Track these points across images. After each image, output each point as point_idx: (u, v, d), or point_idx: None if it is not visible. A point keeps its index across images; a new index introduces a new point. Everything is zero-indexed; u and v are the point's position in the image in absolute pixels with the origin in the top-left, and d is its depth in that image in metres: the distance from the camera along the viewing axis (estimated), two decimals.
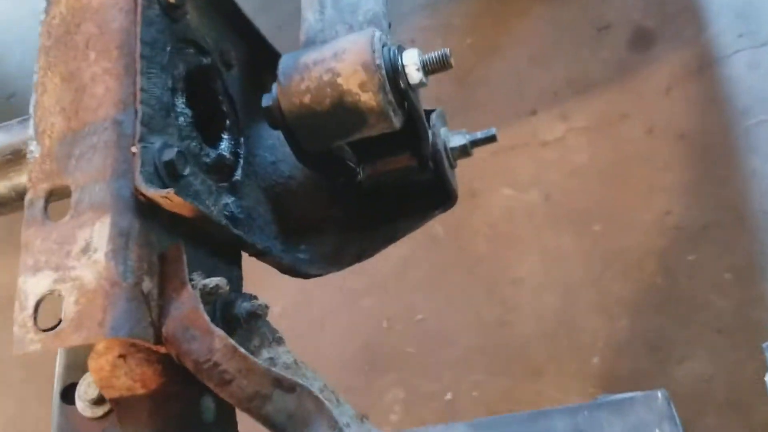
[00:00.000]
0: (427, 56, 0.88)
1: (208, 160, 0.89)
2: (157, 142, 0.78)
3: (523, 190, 2.30)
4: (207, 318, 0.71)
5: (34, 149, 0.79)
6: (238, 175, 0.96)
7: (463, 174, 2.27)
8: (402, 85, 0.87)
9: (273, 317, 0.88)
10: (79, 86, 0.80)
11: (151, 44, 0.82)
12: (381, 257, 2.14)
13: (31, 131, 0.80)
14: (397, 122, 0.89)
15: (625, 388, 1.22)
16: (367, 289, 2.29)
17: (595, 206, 2.16)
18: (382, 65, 0.85)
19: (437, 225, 2.35)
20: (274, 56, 1.05)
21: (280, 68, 0.89)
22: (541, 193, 2.26)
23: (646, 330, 2.01)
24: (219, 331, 0.71)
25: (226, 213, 0.90)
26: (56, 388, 0.85)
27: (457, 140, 1.05)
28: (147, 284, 0.73)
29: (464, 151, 1.06)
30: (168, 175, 0.77)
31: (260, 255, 0.94)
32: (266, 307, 0.85)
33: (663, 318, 2.01)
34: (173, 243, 0.78)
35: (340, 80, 0.85)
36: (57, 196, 0.77)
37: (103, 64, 0.80)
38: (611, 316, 2.06)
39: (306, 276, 1.03)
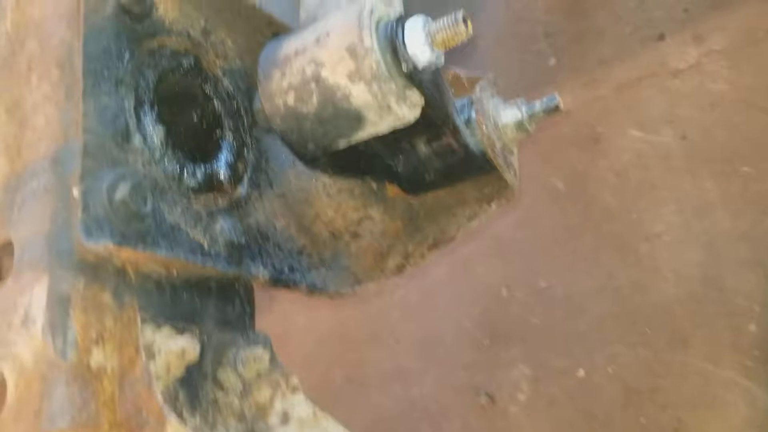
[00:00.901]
0: (435, 25, 0.68)
1: (193, 181, 0.76)
2: (108, 176, 0.65)
3: (654, 131, 1.98)
4: (160, 399, 0.58)
5: None
6: (242, 188, 0.82)
7: (582, 116, 2.01)
8: (406, 68, 0.68)
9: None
10: (22, 118, 0.69)
11: (100, 57, 0.69)
12: (498, 216, 1.95)
13: None
14: (408, 114, 0.70)
15: None
16: (482, 254, 2.10)
17: (741, 144, 1.81)
18: (374, 46, 0.66)
19: (556, 178, 2.09)
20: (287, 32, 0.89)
21: (259, 63, 0.73)
22: (676, 132, 1.94)
23: None
24: (173, 418, 0.58)
25: (222, 240, 0.76)
26: None
27: (510, 115, 0.84)
28: (98, 357, 0.61)
29: (521, 127, 0.84)
30: (123, 216, 0.65)
31: (272, 283, 0.80)
32: (267, 350, 0.72)
33: None
34: (144, 295, 0.66)
35: (324, 72, 0.68)
36: (7, 251, 0.67)
37: (43, 88, 0.68)
38: None
39: (338, 295, 0.88)
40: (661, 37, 2.02)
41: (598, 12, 2.17)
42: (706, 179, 1.85)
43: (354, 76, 0.66)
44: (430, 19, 0.68)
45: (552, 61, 2.20)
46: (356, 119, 0.69)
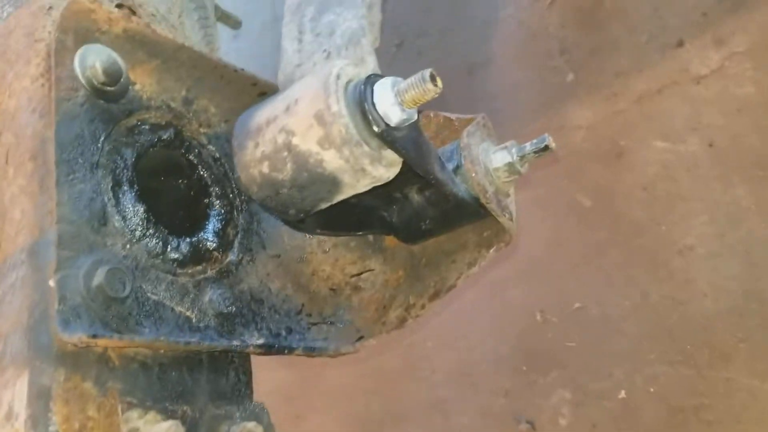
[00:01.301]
0: (404, 84, 0.66)
1: (178, 254, 0.75)
2: (84, 263, 0.65)
3: (679, 140, 1.92)
4: None
5: None
6: (232, 254, 0.81)
7: (604, 131, 1.96)
8: (378, 128, 0.66)
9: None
10: (1, 211, 0.69)
11: (73, 143, 0.69)
12: (526, 238, 1.91)
13: None
14: (385, 173, 0.68)
15: None
16: (512, 276, 2.06)
17: None
18: (342, 111, 0.64)
19: (582, 195, 2.05)
20: (273, 90, 0.88)
21: (233, 133, 0.73)
22: (703, 140, 1.88)
23: None
24: None
25: (212, 311, 0.75)
26: None
27: (500, 159, 0.81)
28: None
29: (513, 170, 0.81)
30: (101, 302, 0.64)
31: (267, 350, 0.79)
32: (260, 423, 0.70)
33: None
34: (129, 379, 0.65)
35: (295, 140, 0.66)
36: None
37: (19, 181, 0.68)
38: None
39: (338, 354, 0.86)
40: (680, 44, 1.96)
41: (612, 23, 2.13)
42: (738, 186, 1.79)
43: (324, 142, 0.65)
44: (399, 79, 0.67)
45: (570, 77, 2.16)
46: (332, 183, 0.68)
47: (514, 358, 2.03)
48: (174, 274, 0.73)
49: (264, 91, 0.89)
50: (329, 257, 0.87)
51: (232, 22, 1.33)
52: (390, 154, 0.68)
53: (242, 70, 0.87)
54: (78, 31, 0.72)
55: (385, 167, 0.68)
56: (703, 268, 1.80)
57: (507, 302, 2.07)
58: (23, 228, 0.66)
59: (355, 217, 0.82)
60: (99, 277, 0.64)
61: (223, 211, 0.82)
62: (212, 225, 0.81)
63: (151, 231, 0.73)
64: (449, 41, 2.47)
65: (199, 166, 0.82)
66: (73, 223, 0.66)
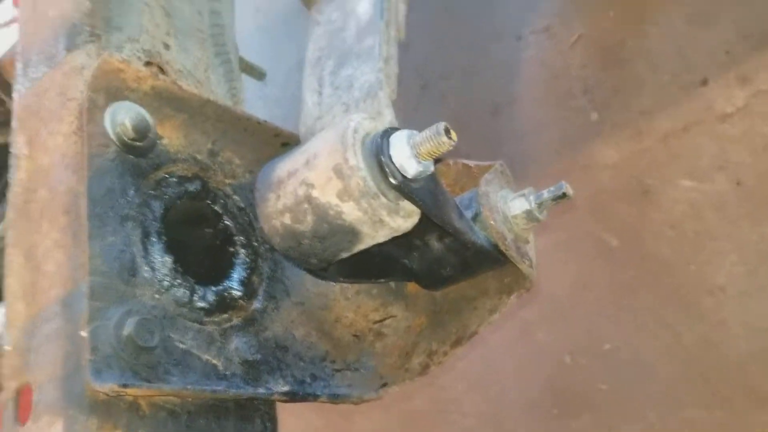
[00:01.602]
0: (419, 137, 0.68)
1: (205, 303, 0.77)
2: (115, 314, 0.67)
3: (706, 179, 1.91)
4: None
5: (5, 340, 0.73)
6: (257, 302, 0.83)
7: (630, 169, 1.96)
8: (395, 180, 0.68)
9: None
10: (35, 264, 0.72)
11: (105, 198, 0.72)
12: (553, 279, 1.90)
13: (2, 318, 0.74)
14: (403, 224, 0.70)
15: None
16: (540, 318, 2.05)
17: None
18: (360, 165, 0.66)
19: (609, 234, 2.04)
20: (295, 141, 0.91)
21: (255, 185, 0.75)
22: (729, 178, 1.86)
23: None
24: None
25: (238, 359, 0.77)
26: None
27: (518, 206, 0.82)
28: None
29: (531, 217, 0.82)
30: (131, 352, 0.66)
31: (291, 398, 0.80)
32: None
33: None
34: (158, 427, 0.67)
35: (315, 193, 0.69)
36: (28, 393, 0.70)
37: (53, 235, 0.71)
38: None
39: (361, 401, 0.86)
40: (704, 82, 1.96)
41: (635, 62, 2.14)
42: (767, 225, 1.77)
43: (343, 194, 0.67)
44: (415, 132, 0.69)
45: (594, 116, 2.17)
46: (352, 233, 0.69)
47: (544, 402, 2.00)
48: (201, 323, 0.75)
49: (287, 142, 0.92)
50: (352, 304, 0.88)
51: (256, 73, 1.37)
52: (408, 205, 0.70)
53: (265, 121, 0.90)
54: (108, 89, 0.76)
55: (403, 218, 0.69)
56: (735, 309, 1.77)
57: (536, 345, 2.06)
58: (57, 280, 0.69)
59: (376, 264, 0.84)
60: (129, 328, 0.66)
61: (248, 259, 0.84)
62: (237, 273, 0.83)
63: (178, 281, 0.75)
64: (472, 82, 2.50)
65: (225, 216, 0.85)
66: (105, 275, 0.68)
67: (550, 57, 2.38)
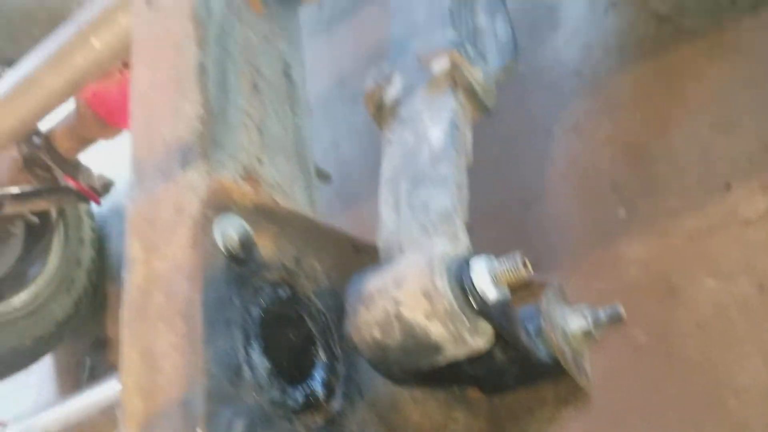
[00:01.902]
0: (498, 267, 0.78)
1: (295, 404, 0.86)
2: (224, 415, 0.76)
3: (730, 280, 1.99)
4: None
5: None
6: (336, 402, 0.91)
7: (657, 267, 2.03)
8: (476, 305, 0.77)
9: None
10: (152, 364, 0.81)
11: (216, 305, 0.81)
12: None
13: (119, 413, 0.82)
14: (482, 343, 0.79)
15: None
16: (568, 415, 2.09)
17: None
18: (446, 289, 0.76)
19: (637, 330, 2.10)
20: (368, 249, 1.01)
21: (347, 297, 0.84)
22: (753, 281, 1.94)
23: None
24: None
25: None
26: None
27: (576, 324, 0.91)
28: None
29: (588, 335, 0.92)
30: None
31: None
32: None
33: None
34: None
35: (404, 311, 0.78)
36: None
37: (169, 337, 0.80)
38: None
39: None
40: (728, 187, 2.06)
41: (660, 163, 2.24)
42: None
43: (430, 315, 0.76)
44: (493, 259, 0.78)
45: (621, 213, 2.26)
46: (435, 349, 0.78)
47: None
48: (291, 422, 0.83)
49: (358, 248, 1.02)
50: (419, 406, 0.96)
51: (323, 177, 1.49)
52: (485, 325, 0.79)
53: (340, 229, 1.01)
54: (218, 206, 0.86)
55: (482, 338, 0.79)
56: (759, 411, 1.82)
57: None
58: (174, 380, 0.77)
59: (445, 371, 0.92)
60: (238, 429, 0.75)
61: (327, 361, 0.93)
62: (319, 374, 0.91)
63: (273, 381, 0.84)
64: (503, 177, 2.60)
65: (308, 320, 0.94)
66: (215, 378, 0.77)
67: (579, 153, 2.49)
